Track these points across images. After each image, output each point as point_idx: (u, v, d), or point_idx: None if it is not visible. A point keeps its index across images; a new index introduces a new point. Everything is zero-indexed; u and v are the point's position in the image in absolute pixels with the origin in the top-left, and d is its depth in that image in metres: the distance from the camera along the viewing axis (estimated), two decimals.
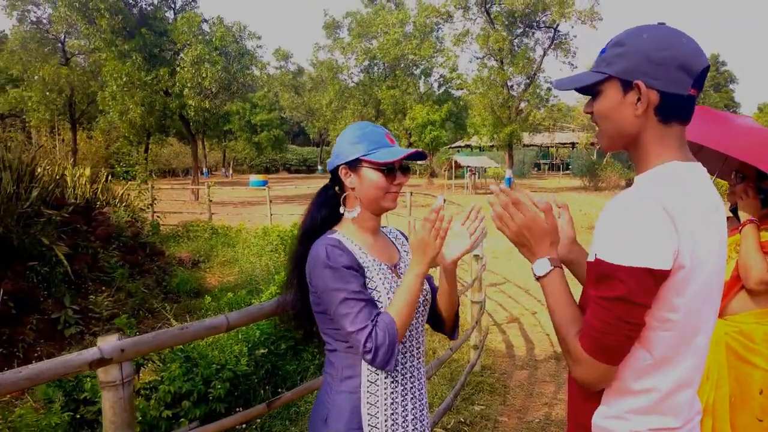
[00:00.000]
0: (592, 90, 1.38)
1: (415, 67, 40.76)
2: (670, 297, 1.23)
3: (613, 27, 26.16)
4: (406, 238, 2.02)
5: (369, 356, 1.54)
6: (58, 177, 8.39)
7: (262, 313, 2.37)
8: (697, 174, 1.31)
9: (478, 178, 36.86)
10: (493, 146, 39.16)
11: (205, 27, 29.54)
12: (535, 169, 53.18)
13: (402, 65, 39.74)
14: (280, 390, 4.67)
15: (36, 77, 32.38)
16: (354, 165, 1.76)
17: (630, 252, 1.18)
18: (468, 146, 49.47)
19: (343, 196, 1.83)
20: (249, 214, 18.40)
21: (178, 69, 26.89)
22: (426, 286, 1.87)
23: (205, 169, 50.95)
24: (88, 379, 3.70)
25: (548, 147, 54.32)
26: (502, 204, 1.42)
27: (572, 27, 68.18)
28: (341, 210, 1.82)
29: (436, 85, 42.85)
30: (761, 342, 2.44)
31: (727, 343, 2.50)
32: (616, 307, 1.20)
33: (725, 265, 1.41)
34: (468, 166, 35.00)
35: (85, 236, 7.77)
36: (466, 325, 6.05)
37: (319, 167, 60.84)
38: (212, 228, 14.02)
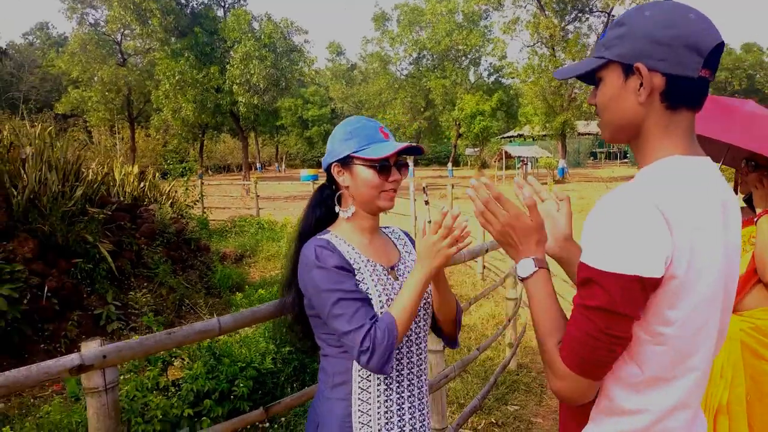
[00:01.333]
0: (593, 78, 1.24)
1: (464, 57, 40.30)
2: (661, 309, 1.08)
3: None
4: (411, 239, 1.92)
5: (365, 357, 1.44)
6: (102, 175, 8.61)
7: (256, 317, 2.29)
8: (702, 170, 1.15)
9: (531, 168, 36.14)
10: (545, 136, 38.29)
11: (255, 24, 29.99)
12: (591, 158, 51.78)
13: (451, 55, 39.36)
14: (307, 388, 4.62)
15: (95, 78, 33.73)
16: (346, 162, 1.66)
17: (616, 257, 1.04)
18: (520, 136, 48.56)
19: (337, 195, 1.73)
20: (296, 209, 18.58)
21: (228, 66, 27.42)
22: (428, 290, 1.76)
23: (258, 165, 51.94)
24: None
25: None
26: (482, 200, 1.29)
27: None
28: (336, 209, 1.73)
29: (486, 74, 42.34)
30: None
31: (742, 339, 2.37)
32: (598, 317, 1.06)
33: (736, 274, 1.23)
34: (519, 157, 34.38)
35: (130, 233, 7.95)
36: (500, 322, 5.87)
37: None
38: (258, 223, 14.20)
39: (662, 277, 1.04)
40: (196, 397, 3.92)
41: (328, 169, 1.72)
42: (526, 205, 1.31)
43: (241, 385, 4.03)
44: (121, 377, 3.87)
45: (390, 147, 1.62)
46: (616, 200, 1.08)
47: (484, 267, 9.38)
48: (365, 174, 1.63)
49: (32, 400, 4.34)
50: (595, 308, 1.06)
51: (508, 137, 49.25)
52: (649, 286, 1.04)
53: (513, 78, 38.71)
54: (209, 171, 48.12)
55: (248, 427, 4.01)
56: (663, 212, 1.04)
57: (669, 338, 1.10)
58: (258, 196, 16.74)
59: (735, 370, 2.37)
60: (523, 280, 1.28)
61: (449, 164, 41.98)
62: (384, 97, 40.41)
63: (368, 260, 1.67)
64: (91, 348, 1.89)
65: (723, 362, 2.38)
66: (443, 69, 39.04)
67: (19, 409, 4.04)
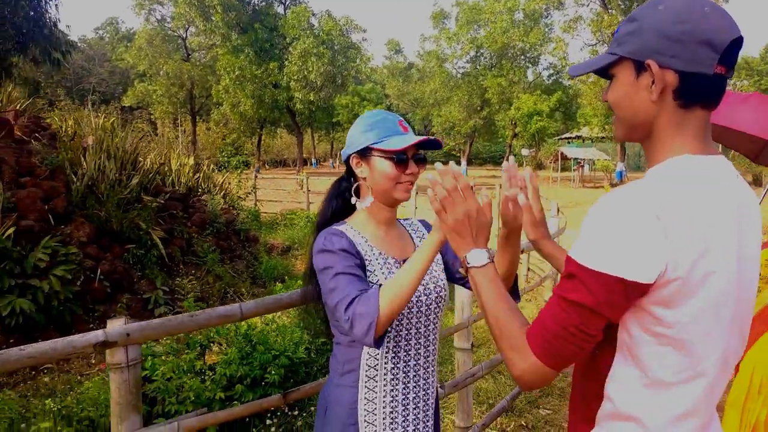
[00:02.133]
0: (607, 74, 1.22)
1: (522, 56, 39.69)
2: (656, 310, 1.05)
3: (744, 3, 23.88)
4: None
5: (347, 326, 1.45)
6: (158, 165, 8.93)
7: (280, 305, 2.35)
8: (715, 170, 1.11)
9: (588, 171, 35.26)
10: (604, 138, 37.28)
11: (314, 21, 30.42)
12: None
13: (509, 54, 38.84)
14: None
15: (161, 72, 34.97)
16: (364, 154, 1.68)
17: (603, 256, 1.02)
18: (578, 137, 47.43)
19: (355, 186, 1.76)
20: None
21: (286, 63, 27.93)
22: (440, 281, 1.77)
23: (314, 160, 52.64)
24: (150, 358, 3.89)
25: None
26: (448, 188, 1.28)
27: None
28: (353, 200, 1.76)
29: (545, 74, 41.57)
30: None
31: None
32: (575, 312, 1.05)
33: (752, 279, 1.18)
34: (575, 159, 33.61)
35: (181, 221, 8.23)
36: None
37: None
38: (308, 216, 14.42)
39: (652, 283, 1.01)
40: (229, 381, 4.03)
41: (347, 161, 1.76)
42: (483, 201, 1.29)
43: (273, 372, 4.12)
44: (161, 358, 4.03)
45: (408, 139, 1.63)
46: (616, 199, 1.05)
47: (528, 269, 9.25)
48: (382, 165, 1.65)
49: (78, 377, 4.56)
50: (575, 303, 1.05)
51: (565, 138, 48.18)
52: (632, 290, 1.02)
53: (572, 80, 37.89)
54: (266, 165, 49.06)
55: (278, 414, 4.12)
56: (663, 216, 1.00)
57: (673, 340, 1.07)
58: (309, 190, 16.98)
59: None
60: (473, 268, 1.26)
61: (504, 164, 41.27)
62: (439, 95, 40.24)
63: (380, 253, 1.69)
64: (115, 326, 1.98)
65: (762, 378, 2.27)
66: (501, 67, 38.56)
67: (65, 385, 4.26)
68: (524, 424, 4.37)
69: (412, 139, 1.63)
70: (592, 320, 1.04)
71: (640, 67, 1.12)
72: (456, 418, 3.52)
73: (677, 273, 1.01)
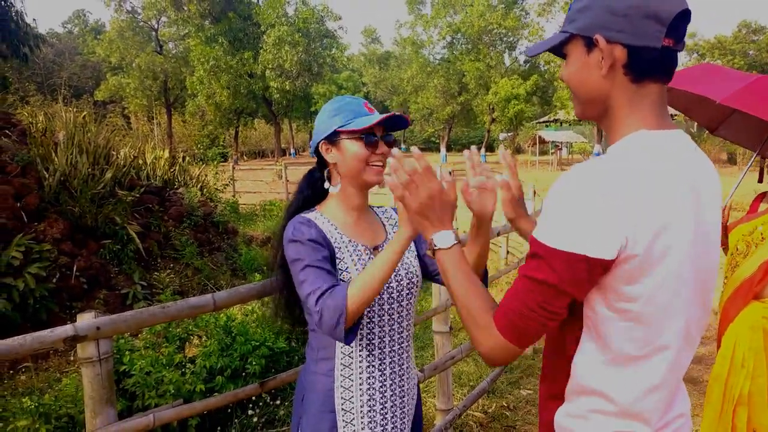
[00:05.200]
0: (561, 53, 1.23)
1: (499, 41, 39.71)
2: (619, 286, 1.07)
3: None
4: None
5: (317, 318, 1.46)
6: (132, 159, 8.81)
7: (252, 294, 2.34)
8: (672, 145, 1.12)
9: (566, 153, 35.52)
10: (580, 121, 37.52)
11: (289, 10, 30.13)
12: None
13: (486, 39, 38.83)
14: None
15: (133, 65, 34.41)
16: (333, 139, 1.69)
17: (565, 235, 1.03)
18: (555, 121, 47.73)
19: (326, 171, 1.76)
20: None
21: (261, 51, 27.64)
22: (413, 268, 1.77)
23: (292, 150, 52.29)
24: (128, 353, 3.85)
25: None
26: (409, 171, 1.28)
27: None
28: (326, 185, 1.75)
29: (522, 58, 41.63)
30: None
31: (765, 327, 2.28)
32: (539, 291, 1.06)
33: (712, 253, 1.20)
34: (553, 142, 33.83)
35: (158, 215, 8.13)
36: None
37: (403, 146, 60.92)
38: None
39: (614, 259, 1.02)
40: (209, 373, 4.02)
41: (316, 151, 1.75)
42: (445, 181, 1.29)
43: (254, 363, 4.11)
44: (138, 353, 3.99)
45: (374, 118, 1.64)
46: (575, 178, 1.06)
47: (507, 252, 9.31)
48: (352, 147, 1.65)
49: (57, 375, 4.51)
50: (539, 281, 1.06)
51: (543, 122, 48.44)
52: (596, 267, 1.03)
53: (549, 64, 38.02)
54: (244, 156, 48.67)
55: (260, 404, 4.12)
56: (620, 193, 1.01)
57: (636, 315, 1.08)
58: (288, 180, 16.90)
59: (757, 359, 2.30)
60: (440, 250, 1.27)
61: (482, 149, 41.57)
62: (417, 82, 40.15)
63: (350, 240, 1.68)
64: (85, 320, 1.96)
65: (744, 351, 2.31)
66: (478, 52, 38.54)
67: (44, 383, 4.21)
68: (505, 404, 4.42)
69: (378, 116, 1.64)
70: (555, 298, 1.06)
71: (590, 44, 1.14)
72: (437, 401, 3.54)
73: (636, 249, 1.03)
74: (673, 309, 1.11)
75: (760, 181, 2.56)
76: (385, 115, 1.64)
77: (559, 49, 1.23)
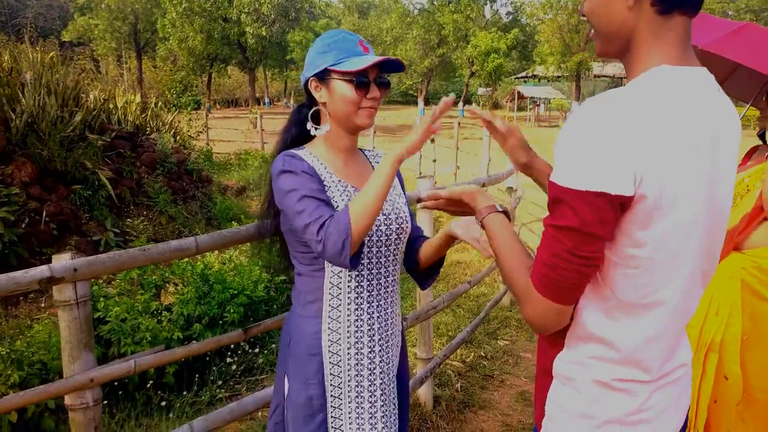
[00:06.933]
0: None
1: None
2: (632, 229, 1.01)
3: None
4: None
5: (320, 246, 1.41)
6: (102, 102, 8.50)
7: (237, 238, 2.25)
8: (694, 83, 1.05)
9: (543, 110, 35.52)
10: (559, 77, 37.42)
11: None
12: None
13: None
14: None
15: (102, 5, 32.99)
16: (323, 77, 1.59)
17: (582, 173, 0.97)
18: (534, 77, 47.53)
19: (311, 112, 1.66)
20: None
21: None
22: (403, 212, 1.71)
23: (267, 99, 51.27)
24: (102, 299, 3.77)
25: (621, 78, 51.52)
26: (442, 204, 1.51)
27: None
28: (309, 127, 1.66)
29: (503, 11, 41.10)
30: None
31: (743, 278, 2.29)
32: (566, 237, 1.01)
33: (725, 204, 1.15)
34: (531, 97, 33.76)
35: (130, 161, 7.90)
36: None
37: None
38: (262, 156, 14.13)
39: (632, 196, 0.97)
40: (187, 321, 3.97)
41: (306, 86, 1.65)
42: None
43: (232, 311, 4.07)
44: (114, 299, 3.91)
45: (368, 59, 1.54)
46: (586, 113, 0.99)
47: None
48: (342, 89, 1.56)
49: (29, 322, 4.41)
50: (564, 228, 1.00)
51: (521, 77, 48.21)
52: (617, 204, 0.97)
53: (530, 17, 37.57)
54: (217, 104, 47.56)
55: (239, 352, 4.09)
56: (634, 130, 0.95)
57: (642, 261, 1.03)
58: (263, 130, 16.60)
59: (732, 309, 2.31)
60: (490, 214, 1.31)
61: (461, 103, 41.31)
62: (396, 32, 39.39)
63: (339, 180, 1.62)
64: (61, 261, 1.86)
65: (720, 301, 2.32)
66: (458, 3, 37.85)
67: (14, 329, 4.11)
68: (483, 354, 4.47)
69: (372, 58, 1.54)
70: (584, 243, 1.00)
71: None
72: (417, 350, 3.55)
73: (647, 191, 0.98)
74: (681, 258, 1.07)
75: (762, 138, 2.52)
76: (380, 58, 1.54)
77: None
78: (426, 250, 1.79)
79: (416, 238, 1.84)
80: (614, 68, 41.41)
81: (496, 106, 42.09)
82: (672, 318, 1.12)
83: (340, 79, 1.55)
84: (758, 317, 2.28)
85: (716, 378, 2.32)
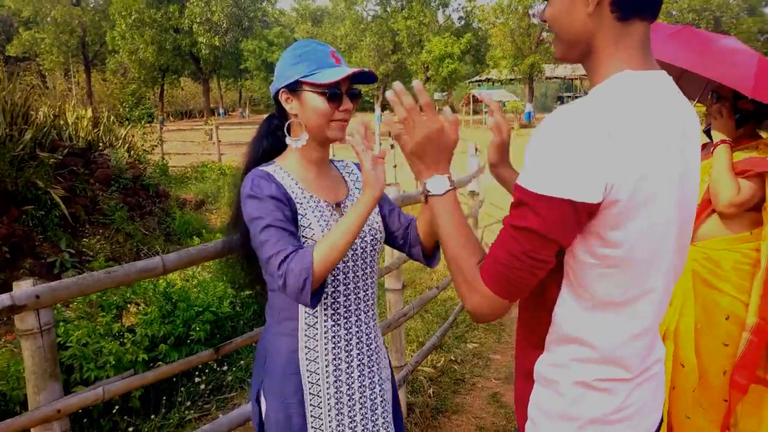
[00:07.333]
0: None
1: None
2: (603, 232, 1.03)
3: None
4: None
5: (281, 282, 1.38)
6: (52, 119, 8.24)
7: (204, 255, 2.22)
8: (657, 86, 1.08)
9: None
10: (513, 80, 38.08)
11: None
12: (558, 102, 51.79)
13: None
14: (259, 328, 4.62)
15: (48, 18, 32.05)
16: (294, 88, 1.56)
17: (549, 179, 0.98)
18: (488, 80, 48.20)
19: (287, 124, 1.63)
20: None
21: (187, 4, 26.33)
22: (376, 225, 1.70)
23: (221, 110, 50.59)
24: (62, 324, 3.64)
25: (572, 79, 52.68)
26: (407, 107, 1.19)
27: None
28: (287, 140, 1.63)
29: (455, 16, 41.63)
30: (730, 269, 2.34)
31: (694, 269, 2.40)
32: (525, 239, 1.01)
33: (693, 199, 1.19)
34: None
35: (83, 178, 7.67)
36: None
37: None
38: (220, 169, 13.92)
39: (599, 203, 0.99)
40: (152, 342, 3.87)
41: (276, 97, 1.63)
42: (450, 122, 1.22)
43: (198, 329, 3.99)
44: (73, 324, 3.78)
45: (340, 72, 1.52)
46: (557, 121, 1.01)
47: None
48: (314, 101, 1.54)
49: None
50: (524, 229, 1.01)
51: (476, 81, 48.85)
52: (582, 212, 0.99)
53: (482, 22, 38.12)
54: (170, 117, 46.67)
55: (206, 371, 4.01)
56: (603, 136, 0.97)
57: (619, 260, 1.05)
58: (220, 141, 16.37)
59: (685, 299, 2.41)
60: (432, 196, 1.21)
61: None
62: (350, 39, 39.45)
63: (311, 196, 1.60)
64: (23, 288, 1.80)
65: (674, 291, 2.42)
66: (411, 9, 38.15)
67: None
68: (453, 358, 4.50)
69: (344, 71, 1.52)
70: (542, 246, 1.01)
71: None
72: (390, 359, 3.54)
73: (620, 194, 0.99)
74: (658, 255, 1.10)
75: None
76: (352, 70, 1.52)
77: None
78: (422, 227, 1.72)
79: (409, 224, 1.79)
80: (565, 70, 42.34)
81: (452, 110, 42.46)
82: (652, 314, 1.15)
83: (311, 91, 1.54)
84: (709, 306, 2.38)
85: (674, 366, 2.42)
